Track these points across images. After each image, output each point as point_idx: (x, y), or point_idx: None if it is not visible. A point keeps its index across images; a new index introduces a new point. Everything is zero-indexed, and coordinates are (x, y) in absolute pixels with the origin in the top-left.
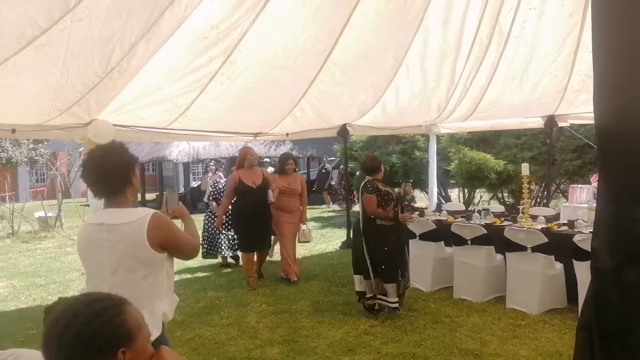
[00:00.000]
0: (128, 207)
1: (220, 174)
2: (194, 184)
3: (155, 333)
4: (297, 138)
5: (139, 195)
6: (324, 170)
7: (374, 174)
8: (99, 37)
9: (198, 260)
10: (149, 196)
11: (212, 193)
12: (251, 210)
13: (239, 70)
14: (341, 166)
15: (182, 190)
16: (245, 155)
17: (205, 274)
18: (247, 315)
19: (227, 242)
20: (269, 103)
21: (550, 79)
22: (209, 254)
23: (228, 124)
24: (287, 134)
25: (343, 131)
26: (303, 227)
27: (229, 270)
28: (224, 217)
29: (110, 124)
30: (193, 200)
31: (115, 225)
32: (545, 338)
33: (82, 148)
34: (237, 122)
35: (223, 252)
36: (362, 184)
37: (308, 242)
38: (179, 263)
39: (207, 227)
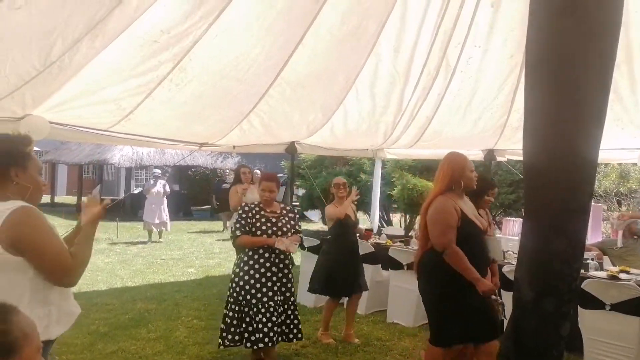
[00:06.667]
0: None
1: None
2: (136, 191)
3: None
4: (245, 152)
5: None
6: (226, 185)
7: None
8: (38, 28)
9: (132, 271)
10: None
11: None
12: None
13: (188, 77)
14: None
15: (122, 195)
16: None
17: (136, 284)
18: (177, 330)
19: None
20: (217, 114)
21: (491, 114)
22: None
23: (173, 132)
24: (234, 147)
25: (291, 148)
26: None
27: (164, 282)
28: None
29: (45, 120)
30: (133, 207)
31: None
32: None
33: None
34: (183, 130)
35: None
36: None
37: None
38: (105, 270)
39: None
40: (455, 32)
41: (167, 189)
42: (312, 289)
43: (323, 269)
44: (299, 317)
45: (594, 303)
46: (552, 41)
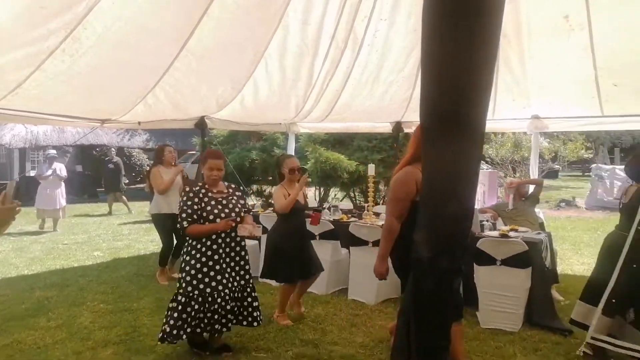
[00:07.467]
0: None
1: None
2: (32, 173)
3: None
4: (151, 127)
5: None
6: (111, 165)
7: None
8: None
9: (28, 258)
10: None
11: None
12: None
13: (84, 48)
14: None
15: (16, 178)
16: None
17: (33, 272)
18: (81, 316)
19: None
20: (118, 87)
21: (397, 87)
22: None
23: (71, 108)
24: (139, 123)
25: (201, 123)
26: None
27: (66, 268)
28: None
29: None
30: (29, 191)
31: None
32: (379, 325)
33: None
34: (81, 105)
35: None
36: None
37: None
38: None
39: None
40: (362, 5)
41: (64, 172)
42: (264, 274)
43: (273, 255)
44: (257, 300)
45: (487, 260)
46: (443, 18)
